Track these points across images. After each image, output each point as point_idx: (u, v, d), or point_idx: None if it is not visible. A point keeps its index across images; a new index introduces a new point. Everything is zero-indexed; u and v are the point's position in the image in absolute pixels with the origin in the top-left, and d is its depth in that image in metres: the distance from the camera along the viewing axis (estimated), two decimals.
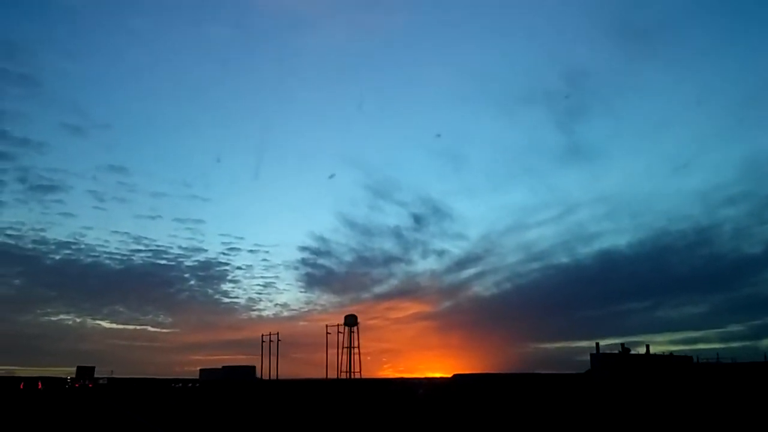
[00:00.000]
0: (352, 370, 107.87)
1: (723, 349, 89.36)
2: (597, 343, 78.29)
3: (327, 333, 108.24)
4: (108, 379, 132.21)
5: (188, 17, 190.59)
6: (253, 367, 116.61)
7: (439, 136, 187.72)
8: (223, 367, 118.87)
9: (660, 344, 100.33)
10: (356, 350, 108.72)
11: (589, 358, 70.93)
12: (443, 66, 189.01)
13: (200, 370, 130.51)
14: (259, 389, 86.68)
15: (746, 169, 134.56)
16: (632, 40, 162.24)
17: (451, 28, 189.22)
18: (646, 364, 71.53)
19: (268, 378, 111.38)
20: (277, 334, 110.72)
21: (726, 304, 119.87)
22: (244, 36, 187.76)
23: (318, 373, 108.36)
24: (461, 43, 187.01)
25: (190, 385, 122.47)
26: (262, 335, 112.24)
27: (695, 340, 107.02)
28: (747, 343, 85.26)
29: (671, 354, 79.55)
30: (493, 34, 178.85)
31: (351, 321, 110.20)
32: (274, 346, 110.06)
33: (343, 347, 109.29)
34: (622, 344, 76.36)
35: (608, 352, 68.90)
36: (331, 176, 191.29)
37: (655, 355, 77.06)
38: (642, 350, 70.23)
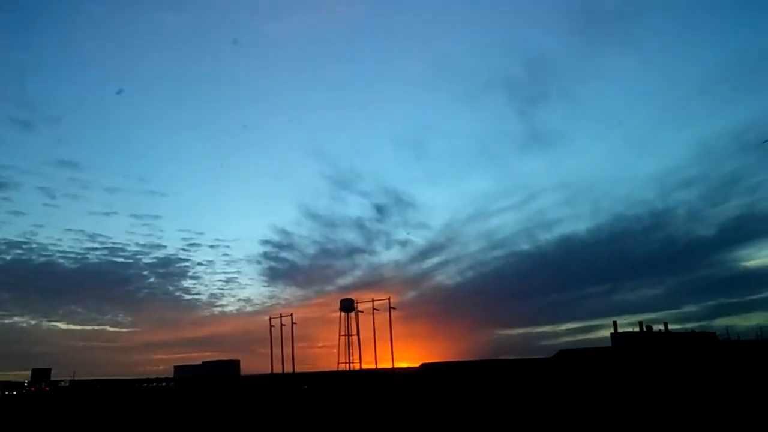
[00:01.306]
0: (351, 361, 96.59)
1: (679, 329, 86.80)
2: (615, 322, 76.24)
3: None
4: (70, 381, 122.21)
5: (145, 3, 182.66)
6: (238, 362, 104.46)
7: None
8: (204, 363, 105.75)
9: (618, 326, 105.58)
10: (355, 337, 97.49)
11: (549, 342, 72.88)
12: (405, 55, 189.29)
13: (175, 367, 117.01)
14: (256, 389, 74.42)
15: (700, 153, 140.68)
16: (593, 24, 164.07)
17: (413, 17, 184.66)
18: (667, 342, 69.66)
19: (254, 375, 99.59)
20: (291, 315, 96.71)
21: (681, 286, 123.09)
22: (203, 23, 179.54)
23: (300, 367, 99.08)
24: (423, 32, 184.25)
25: (164, 384, 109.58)
26: (270, 318, 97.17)
27: (652, 322, 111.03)
28: (702, 323, 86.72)
29: (693, 331, 76.81)
30: (454, 22, 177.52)
31: (347, 306, 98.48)
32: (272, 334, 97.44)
33: (340, 335, 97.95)
34: (640, 322, 74.24)
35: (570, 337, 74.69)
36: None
37: (676, 332, 74.91)
38: (604, 333, 73.79)
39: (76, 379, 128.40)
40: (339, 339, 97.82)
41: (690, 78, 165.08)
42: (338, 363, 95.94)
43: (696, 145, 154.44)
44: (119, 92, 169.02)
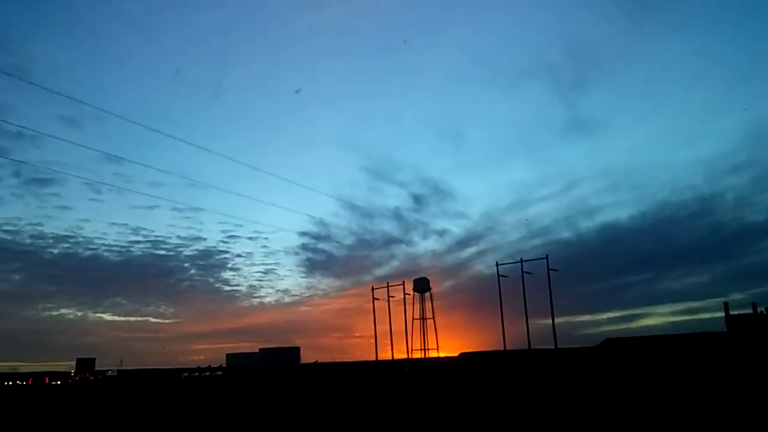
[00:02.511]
0: (426, 347, 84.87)
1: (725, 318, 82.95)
2: (725, 303, 70.06)
3: (390, 297, 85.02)
4: (117, 370, 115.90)
5: (182, 2, 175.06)
6: (298, 349, 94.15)
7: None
8: (261, 350, 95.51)
9: (662, 315, 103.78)
10: (430, 321, 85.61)
11: (590, 331, 74.08)
12: (442, 43, 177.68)
13: (227, 355, 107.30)
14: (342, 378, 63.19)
15: (750, 137, 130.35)
16: (636, 7, 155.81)
17: (450, 4, 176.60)
18: None
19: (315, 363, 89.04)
20: (387, 290, 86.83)
21: (728, 274, 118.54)
22: (242, 19, 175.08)
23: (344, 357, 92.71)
24: (460, 19, 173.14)
25: (218, 373, 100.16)
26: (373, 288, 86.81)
27: (697, 310, 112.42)
28: (748, 310, 71.87)
29: None
30: (491, 8, 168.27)
31: (422, 286, 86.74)
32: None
33: (413, 319, 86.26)
34: (754, 303, 68.01)
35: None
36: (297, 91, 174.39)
37: None
38: (647, 322, 69.41)
39: (123, 368, 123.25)
40: (411, 323, 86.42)
41: (739, 61, 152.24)
42: (410, 350, 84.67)
43: (745, 128, 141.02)
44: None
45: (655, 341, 65.69)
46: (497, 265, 73.17)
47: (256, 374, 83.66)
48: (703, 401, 18.42)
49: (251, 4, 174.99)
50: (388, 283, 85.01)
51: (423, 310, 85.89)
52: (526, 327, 69.71)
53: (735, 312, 69.27)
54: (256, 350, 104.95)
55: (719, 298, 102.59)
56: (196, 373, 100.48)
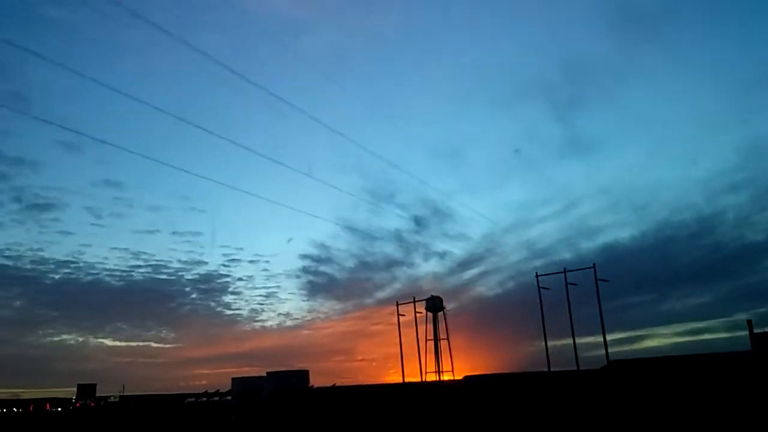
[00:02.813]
0: (441, 369, 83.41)
1: (729, 338, 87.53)
2: (749, 321, 66.69)
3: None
4: (120, 396, 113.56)
5: (180, 25, 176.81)
6: (307, 372, 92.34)
7: (517, 151, 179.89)
8: (268, 374, 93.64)
9: (665, 336, 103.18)
10: (444, 342, 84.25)
11: (593, 353, 66.32)
12: (438, 64, 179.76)
13: (233, 379, 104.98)
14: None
15: (748, 155, 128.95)
16: (631, 25, 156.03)
17: (446, 25, 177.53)
18: None
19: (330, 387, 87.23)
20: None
21: (730, 293, 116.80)
22: (240, 42, 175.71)
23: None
24: (457, 39, 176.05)
25: (228, 398, 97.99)
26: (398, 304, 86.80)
27: (701, 331, 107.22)
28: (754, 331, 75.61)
29: None
30: (488, 27, 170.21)
31: (435, 305, 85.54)
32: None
33: (426, 339, 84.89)
34: None
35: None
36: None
37: None
38: (650, 343, 68.74)
39: (125, 394, 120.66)
40: (425, 344, 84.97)
41: (736, 77, 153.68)
42: (423, 372, 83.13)
43: (744, 146, 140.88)
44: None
45: (669, 362, 62.81)
46: (537, 276, 70.62)
47: (268, 399, 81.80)
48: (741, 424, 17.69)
49: (249, 27, 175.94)
50: (398, 303, 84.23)
51: (436, 330, 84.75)
52: (545, 346, 68.36)
53: (741, 333, 68.34)
54: (262, 374, 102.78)
55: (722, 319, 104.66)
56: (204, 398, 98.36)
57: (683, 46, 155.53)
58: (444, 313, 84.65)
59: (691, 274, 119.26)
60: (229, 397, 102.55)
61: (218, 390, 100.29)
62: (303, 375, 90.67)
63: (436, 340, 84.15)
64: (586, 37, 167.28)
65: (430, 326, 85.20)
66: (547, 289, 70.38)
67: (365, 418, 29.06)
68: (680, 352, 73.13)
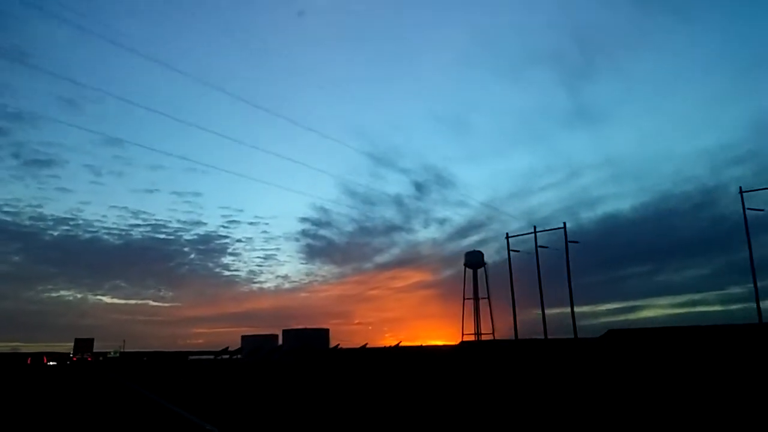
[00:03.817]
0: (480, 332, 74.72)
1: (722, 311, 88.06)
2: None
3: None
4: (120, 353, 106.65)
5: None
6: (327, 331, 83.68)
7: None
8: (285, 331, 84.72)
9: (661, 307, 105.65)
10: (485, 301, 75.24)
11: (588, 323, 63.84)
12: (446, 28, 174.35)
13: (242, 337, 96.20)
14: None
15: (754, 129, 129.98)
16: None
17: None
18: None
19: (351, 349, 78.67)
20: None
21: (728, 267, 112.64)
22: (242, 1, 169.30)
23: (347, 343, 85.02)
24: (464, 3, 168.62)
25: (238, 357, 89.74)
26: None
27: (696, 303, 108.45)
28: (746, 305, 69.42)
29: None
30: None
31: (475, 259, 76.40)
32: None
33: (464, 298, 76.00)
34: None
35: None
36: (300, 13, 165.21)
37: None
38: (646, 314, 62.54)
39: (126, 350, 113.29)
40: (463, 303, 76.24)
41: (746, 52, 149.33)
42: (462, 334, 74.54)
43: (751, 120, 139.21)
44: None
45: (668, 333, 54.85)
46: (507, 237, 61.81)
47: (284, 359, 73.12)
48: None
49: None
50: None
51: (476, 288, 75.77)
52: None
53: (735, 307, 67.14)
54: (271, 333, 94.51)
55: (718, 291, 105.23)
56: (211, 357, 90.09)
57: (695, 18, 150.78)
58: (485, 269, 75.70)
59: (690, 245, 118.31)
60: (239, 356, 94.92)
61: (227, 347, 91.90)
62: (323, 334, 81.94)
63: (477, 299, 75.39)
64: (598, 6, 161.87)
65: (469, 285, 76.64)
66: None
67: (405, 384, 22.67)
68: (675, 324, 69.81)
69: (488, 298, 74.75)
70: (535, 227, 58.63)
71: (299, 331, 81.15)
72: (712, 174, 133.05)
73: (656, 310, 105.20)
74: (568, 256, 53.69)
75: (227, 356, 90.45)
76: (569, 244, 55.01)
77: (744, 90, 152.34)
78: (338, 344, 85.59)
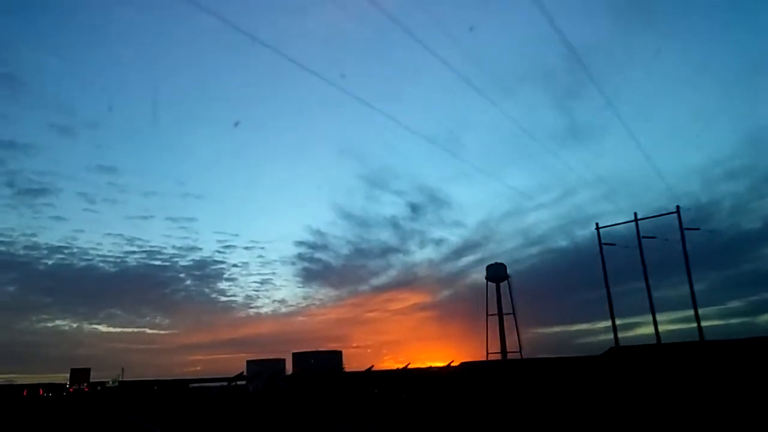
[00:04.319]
0: (506, 349, 70.08)
1: (722, 326, 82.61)
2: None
3: None
4: (118, 382, 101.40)
5: (176, 7, 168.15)
6: (340, 353, 78.87)
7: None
8: (295, 354, 79.74)
9: (659, 324, 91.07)
10: (510, 317, 70.72)
11: (586, 340, 61.07)
12: (437, 48, 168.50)
13: (247, 362, 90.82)
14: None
15: (747, 143, 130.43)
16: (634, 11, 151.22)
17: (444, 9, 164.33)
18: None
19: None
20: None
21: (724, 282, 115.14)
22: (235, 23, 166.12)
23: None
24: (455, 24, 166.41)
25: (244, 383, 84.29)
26: None
27: (694, 318, 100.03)
28: (746, 319, 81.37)
29: None
30: (488, 12, 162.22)
31: (497, 272, 72.00)
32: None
33: (487, 315, 71.44)
34: None
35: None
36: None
37: None
38: (644, 331, 57.91)
39: (125, 379, 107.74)
40: (486, 319, 71.59)
41: (736, 66, 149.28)
42: (487, 353, 69.83)
43: (743, 135, 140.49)
44: (236, 124, 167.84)
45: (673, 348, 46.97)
46: (597, 228, 54.96)
47: (298, 384, 68.00)
48: None
49: (244, 8, 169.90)
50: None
51: (500, 303, 71.14)
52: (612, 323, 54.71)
53: (734, 321, 64.76)
54: (278, 357, 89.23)
55: (716, 306, 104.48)
56: (225, 383, 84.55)
57: (685, 34, 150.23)
58: (509, 282, 71.23)
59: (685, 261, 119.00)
60: (242, 382, 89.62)
61: (242, 372, 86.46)
62: (337, 356, 77.08)
63: (501, 314, 70.74)
64: (587, 24, 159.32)
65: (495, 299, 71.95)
66: (613, 245, 55.44)
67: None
68: (673, 340, 66.56)
69: (513, 313, 70.26)
70: (635, 214, 52.62)
71: (312, 353, 76.23)
72: (705, 189, 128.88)
73: (652, 327, 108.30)
74: (685, 247, 48.68)
75: (225, 383, 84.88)
76: (687, 232, 48.38)
77: (735, 104, 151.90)
78: (343, 368, 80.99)
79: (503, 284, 71.46)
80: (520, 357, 67.33)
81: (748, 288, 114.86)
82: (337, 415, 21.51)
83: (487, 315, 71.04)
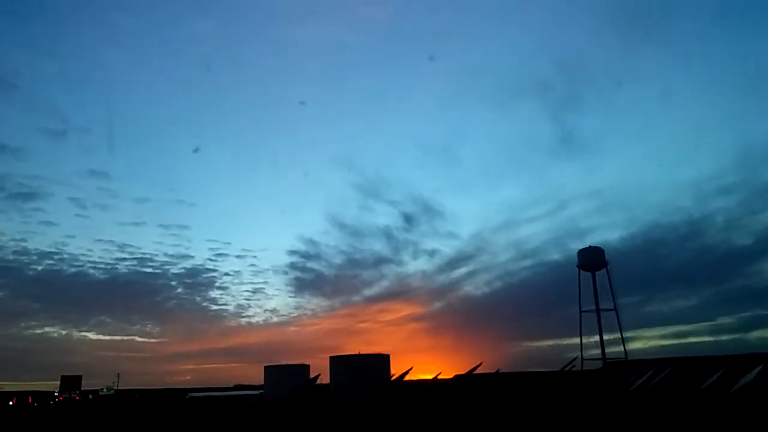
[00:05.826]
0: (603, 349, 55.71)
1: (713, 342, 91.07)
2: None
3: None
4: (114, 390, 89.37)
5: (171, 12, 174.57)
6: (387, 356, 64.39)
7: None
8: (333, 358, 65.03)
9: (651, 339, 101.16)
10: (612, 312, 56.27)
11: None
12: (433, 60, 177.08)
13: (266, 368, 76.08)
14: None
15: (740, 158, 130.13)
16: (628, 25, 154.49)
17: (440, 22, 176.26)
18: None
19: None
20: None
21: (716, 297, 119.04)
22: (230, 32, 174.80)
23: None
24: (451, 36, 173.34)
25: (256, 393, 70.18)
26: None
27: (686, 334, 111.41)
28: (736, 335, 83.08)
29: None
30: (483, 25, 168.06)
31: (593, 259, 57.58)
32: None
33: (580, 311, 57.16)
34: None
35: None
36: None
37: None
38: (636, 345, 56.54)
39: (119, 388, 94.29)
40: (580, 316, 57.19)
41: (730, 81, 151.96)
42: (582, 359, 55.28)
43: (736, 150, 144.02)
44: (196, 150, 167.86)
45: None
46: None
47: (335, 396, 53.58)
48: None
49: (242, 17, 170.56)
50: None
51: (596, 296, 56.74)
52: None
53: (725, 337, 56.62)
54: (301, 363, 74.70)
55: (707, 322, 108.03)
56: (220, 393, 70.32)
57: (680, 49, 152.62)
58: (607, 271, 56.72)
59: (678, 276, 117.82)
60: (254, 392, 75.90)
61: (249, 384, 72.11)
62: (384, 361, 62.55)
63: (598, 309, 56.27)
64: (582, 37, 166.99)
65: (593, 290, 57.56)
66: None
67: None
68: (664, 355, 62.72)
69: (615, 309, 55.65)
70: None
71: (355, 357, 61.46)
72: (698, 204, 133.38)
73: (645, 341, 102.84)
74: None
75: (239, 392, 70.37)
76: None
77: (729, 119, 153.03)
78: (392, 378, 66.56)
79: (600, 273, 57.01)
80: (624, 359, 53.09)
81: (739, 304, 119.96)
82: None
83: (580, 311, 56.94)
